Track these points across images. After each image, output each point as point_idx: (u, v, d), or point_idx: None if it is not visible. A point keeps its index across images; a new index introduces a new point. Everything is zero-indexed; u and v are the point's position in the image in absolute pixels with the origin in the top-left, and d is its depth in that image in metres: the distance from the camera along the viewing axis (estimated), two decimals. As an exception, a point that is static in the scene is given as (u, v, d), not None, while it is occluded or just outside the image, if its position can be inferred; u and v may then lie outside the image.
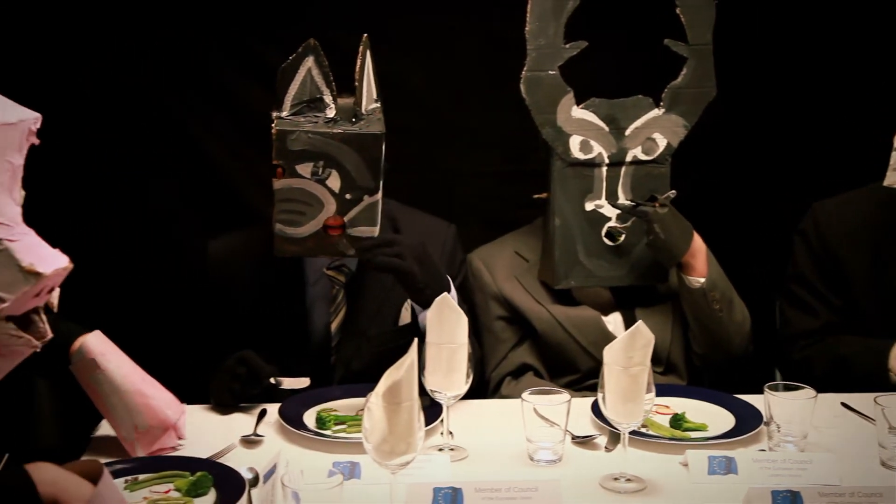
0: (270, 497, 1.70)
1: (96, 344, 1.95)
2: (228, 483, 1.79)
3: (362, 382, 2.31)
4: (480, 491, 1.74)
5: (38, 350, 1.46)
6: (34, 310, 1.44)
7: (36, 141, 1.44)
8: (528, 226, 2.75)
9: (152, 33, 3.04)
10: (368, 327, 2.40)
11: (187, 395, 2.14)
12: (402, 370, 1.59)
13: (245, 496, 1.74)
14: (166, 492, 1.79)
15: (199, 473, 1.79)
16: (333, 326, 2.43)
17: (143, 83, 3.07)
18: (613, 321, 2.59)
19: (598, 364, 2.49)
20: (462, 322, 1.96)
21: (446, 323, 1.95)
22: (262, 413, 2.18)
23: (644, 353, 1.78)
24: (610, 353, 1.80)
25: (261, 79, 3.07)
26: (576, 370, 2.57)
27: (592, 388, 2.47)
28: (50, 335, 1.46)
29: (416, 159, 3.02)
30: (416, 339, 1.63)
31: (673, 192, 2.46)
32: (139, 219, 3.14)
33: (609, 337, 2.55)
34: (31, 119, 1.41)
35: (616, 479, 1.85)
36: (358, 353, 2.41)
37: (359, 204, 2.21)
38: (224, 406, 2.24)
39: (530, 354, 2.60)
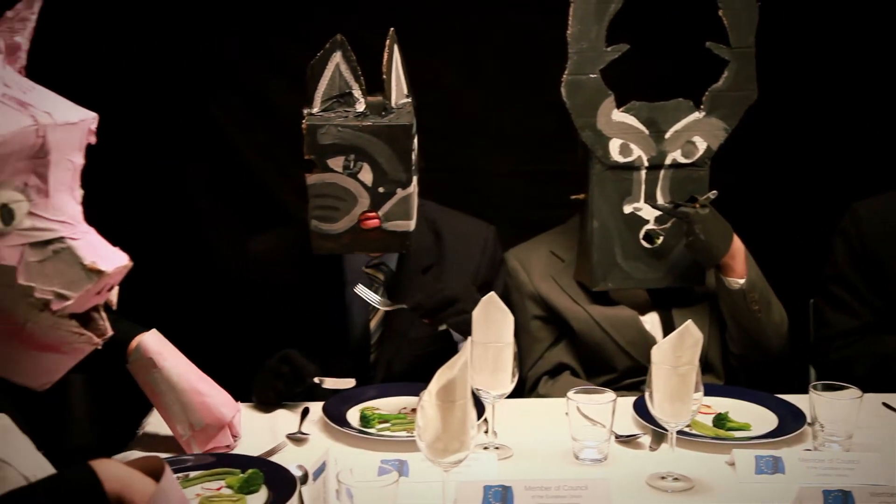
0: (322, 494, 1.71)
1: (153, 343, 1.97)
2: (279, 480, 1.80)
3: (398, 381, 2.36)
4: (530, 489, 1.75)
5: (99, 347, 1.48)
6: (94, 308, 1.45)
7: (94, 140, 1.46)
8: (562, 225, 2.76)
9: (186, 35, 3.07)
10: (408, 328, 2.42)
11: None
12: (455, 369, 1.60)
13: (296, 494, 1.75)
14: (218, 489, 1.80)
15: (250, 471, 1.81)
16: (372, 325, 2.45)
17: (178, 84, 3.11)
18: (650, 321, 2.61)
19: (635, 364, 2.54)
20: (508, 321, 1.98)
21: (493, 322, 1.96)
22: (305, 411, 2.20)
23: (693, 352, 1.79)
24: (658, 353, 1.81)
25: (291, 79, 3.10)
26: (613, 370, 2.58)
27: (629, 388, 2.51)
28: (110, 332, 1.48)
29: (445, 159, 3.04)
30: (469, 338, 1.64)
31: (714, 192, 2.47)
32: (174, 218, 3.17)
33: (646, 337, 2.56)
34: (91, 119, 1.44)
35: (663, 477, 1.86)
36: (399, 355, 2.42)
37: (392, 197, 2.22)
38: (267, 405, 2.26)
39: (567, 354, 2.62)
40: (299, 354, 2.22)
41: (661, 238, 2.53)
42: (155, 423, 2.11)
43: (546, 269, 2.66)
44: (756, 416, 2.16)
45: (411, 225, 2.25)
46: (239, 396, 2.24)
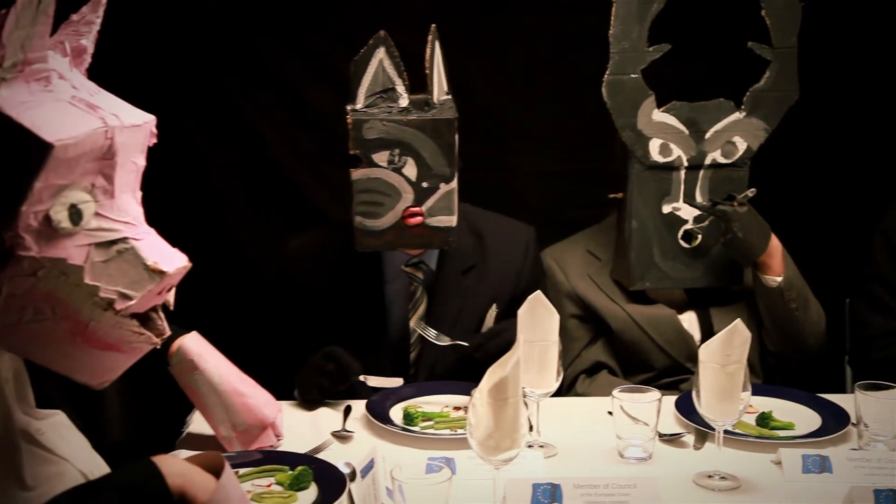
0: (373, 491, 1.73)
1: (194, 345, 1.98)
2: (327, 478, 1.82)
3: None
4: (579, 487, 1.76)
5: (157, 347, 1.50)
6: (153, 308, 1.47)
7: (154, 141, 1.48)
8: (599, 224, 2.77)
9: (222, 34, 3.09)
10: (450, 329, 2.43)
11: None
12: (507, 367, 1.61)
13: (346, 491, 1.77)
14: (268, 485, 1.82)
15: (299, 468, 1.82)
16: (412, 323, 2.47)
17: (212, 83, 3.13)
18: (688, 320, 2.61)
19: (673, 362, 2.55)
20: (554, 320, 1.99)
21: (539, 321, 1.98)
22: (348, 409, 2.22)
23: (741, 351, 1.80)
24: (706, 352, 1.82)
25: (326, 78, 3.13)
26: (650, 368, 2.59)
27: (667, 387, 2.51)
28: (168, 332, 1.49)
29: (479, 159, 3.04)
30: (521, 337, 1.66)
31: (752, 190, 2.47)
32: (207, 217, 3.20)
33: (685, 335, 2.57)
34: (152, 121, 1.46)
35: (710, 476, 1.87)
36: (442, 359, 2.44)
37: (436, 192, 2.24)
38: (311, 402, 2.28)
39: (604, 352, 2.62)
40: (344, 352, 2.24)
41: (700, 238, 2.54)
42: (200, 422, 2.13)
43: (583, 267, 2.67)
44: (799, 416, 2.16)
45: (454, 220, 2.27)
46: (280, 395, 2.27)
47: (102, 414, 2.98)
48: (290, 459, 1.89)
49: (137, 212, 1.44)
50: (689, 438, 2.06)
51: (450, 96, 2.27)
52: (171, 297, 1.50)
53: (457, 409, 2.22)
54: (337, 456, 1.95)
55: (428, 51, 2.21)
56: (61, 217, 1.30)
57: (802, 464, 1.87)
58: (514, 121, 3.15)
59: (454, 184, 2.25)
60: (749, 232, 2.44)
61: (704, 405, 1.84)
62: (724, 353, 1.80)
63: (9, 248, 1.27)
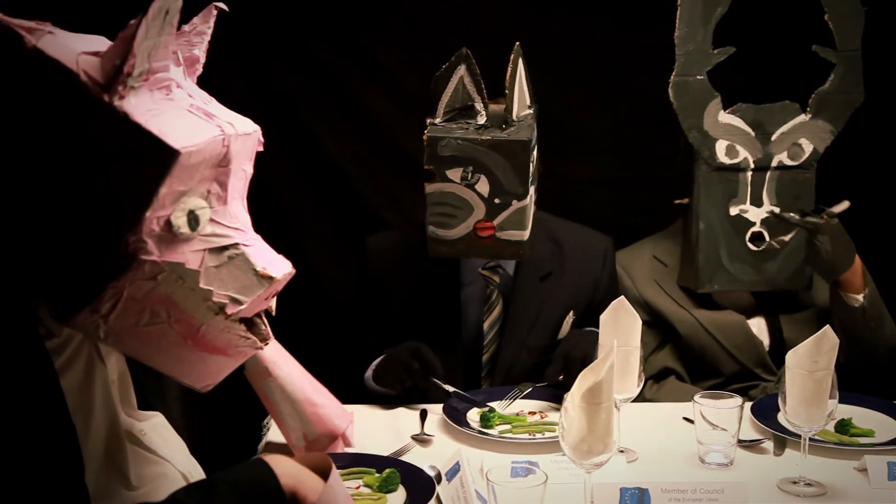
0: (462, 494, 1.76)
1: (270, 352, 1.99)
2: (415, 480, 1.85)
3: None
4: (666, 492, 1.79)
5: (262, 350, 1.54)
6: (257, 313, 1.50)
7: (260, 149, 1.52)
8: (665, 230, 2.79)
9: (282, 40, 3.12)
10: (526, 335, 2.46)
11: (344, 394, 2.20)
12: (602, 372, 1.64)
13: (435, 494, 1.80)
14: (357, 488, 1.85)
15: (387, 471, 1.85)
16: (486, 325, 2.50)
17: (271, 89, 3.15)
18: (756, 325, 2.63)
19: (742, 368, 2.56)
20: (637, 325, 2.01)
21: (622, 326, 2.00)
22: (424, 413, 2.24)
23: (829, 357, 1.81)
24: (794, 358, 1.83)
25: (386, 85, 3.16)
26: (719, 374, 2.61)
27: (736, 393, 2.51)
28: (271, 338, 1.53)
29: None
30: (615, 342, 1.68)
31: (846, 203, 2.47)
32: (267, 223, 3.21)
33: (754, 341, 2.59)
34: (258, 130, 1.49)
35: (795, 482, 1.88)
36: (518, 362, 2.46)
37: (508, 209, 2.28)
38: (390, 392, 2.32)
39: (672, 358, 2.64)
40: (430, 352, 2.27)
41: (766, 244, 2.55)
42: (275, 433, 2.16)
43: (650, 273, 2.69)
44: (877, 423, 2.16)
45: (525, 235, 2.31)
46: (352, 396, 2.30)
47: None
48: (377, 462, 1.92)
49: (246, 218, 1.47)
50: (769, 445, 2.08)
51: (531, 111, 2.31)
52: (273, 304, 1.53)
53: (532, 413, 2.25)
54: (419, 459, 1.98)
55: (510, 69, 2.25)
56: (181, 222, 1.33)
57: (888, 471, 1.87)
58: (566, 128, 3.17)
59: (527, 201, 2.29)
60: (836, 247, 2.43)
61: (791, 411, 1.85)
62: (812, 359, 1.81)
63: (132, 253, 1.30)
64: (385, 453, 2.02)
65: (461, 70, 2.25)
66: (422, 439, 2.12)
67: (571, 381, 2.18)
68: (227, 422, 2.69)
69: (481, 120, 2.27)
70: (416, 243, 2.41)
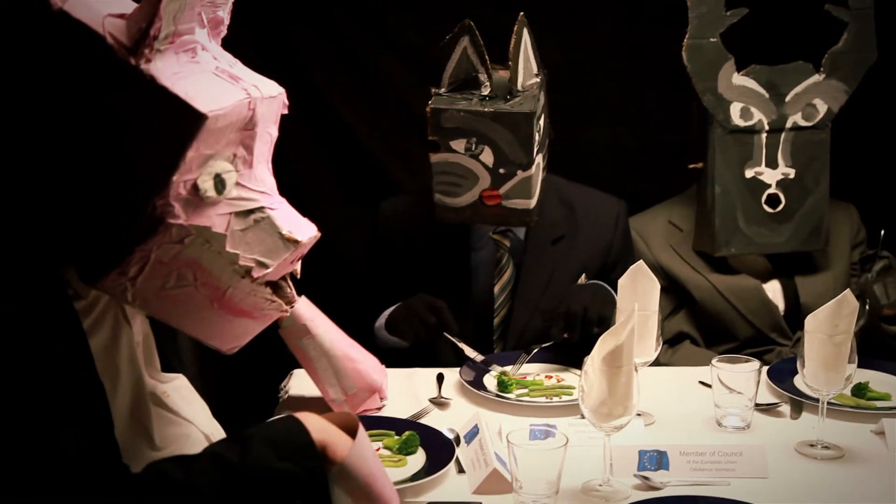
0: (481, 457, 1.77)
1: (306, 310, 2.02)
2: (434, 443, 1.86)
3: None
4: (685, 454, 1.80)
5: (287, 314, 1.54)
6: (283, 276, 1.50)
7: (285, 112, 1.51)
8: (679, 195, 2.79)
9: (299, 7, 3.09)
10: (539, 299, 2.47)
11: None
12: (622, 335, 1.64)
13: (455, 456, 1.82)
14: (377, 450, 1.86)
15: (406, 433, 1.86)
16: (496, 289, 2.51)
17: (286, 55, 3.13)
18: (772, 289, 2.63)
19: (757, 332, 2.56)
20: (655, 289, 2.01)
21: (640, 290, 2.00)
22: (440, 377, 2.25)
23: (849, 321, 1.81)
24: (813, 322, 1.83)
25: (400, 53, 3.14)
26: (734, 338, 2.62)
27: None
28: (297, 300, 1.53)
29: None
30: (636, 306, 1.69)
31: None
32: (285, 188, 3.20)
33: (770, 305, 2.59)
34: (283, 92, 1.48)
35: (812, 445, 1.89)
36: (530, 325, 2.47)
37: (513, 178, 2.31)
38: (400, 343, 2.36)
39: (686, 323, 2.65)
40: (447, 309, 2.28)
41: (783, 204, 2.55)
42: (297, 386, 2.18)
43: (665, 238, 2.70)
44: (894, 387, 2.17)
45: (532, 203, 2.33)
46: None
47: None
48: (397, 425, 1.93)
49: (271, 182, 1.47)
50: (786, 408, 2.09)
51: (538, 79, 2.32)
52: (298, 267, 1.54)
53: (549, 376, 2.26)
54: (437, 422, 1.99)
55: (513, 39, 2.27)
56: (207, 186, 1.34)
57: (906, 433, 1.89)
58: (583, 94, 3.15)
59: (532, 170, 2.30)
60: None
61: (809, 375, 1.86)
62: (832, 323, 1.81)
63: (158, 216, 1.30)
64: (403, 416, 2.03)
65: (464, 41, 2.28)
66: (439, 402, 2.13)
67: (574, 336, 2.23)
68: (243, 386, 2.72)
69: (485, 91, 2.30)
70: (427, 208, 2.42)
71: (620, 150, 3.21)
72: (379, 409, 2.07)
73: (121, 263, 1.31)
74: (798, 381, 2.12)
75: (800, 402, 2.07)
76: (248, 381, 2.66)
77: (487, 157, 2.29)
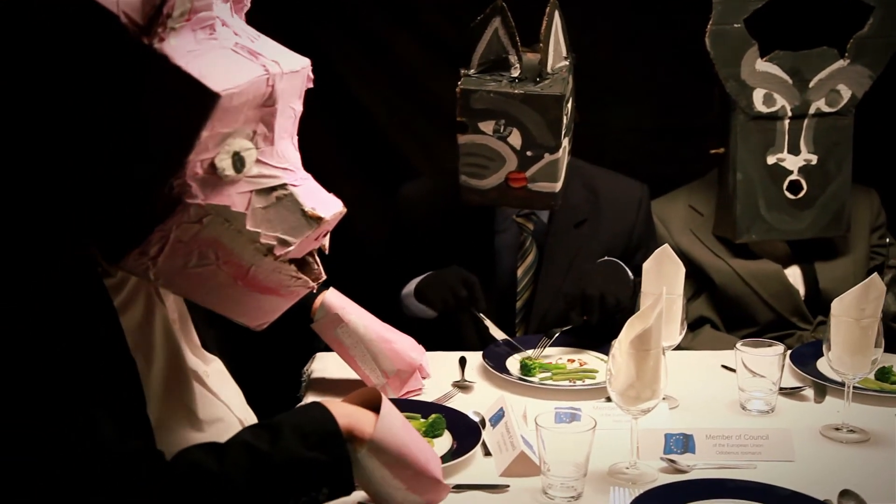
0: (507, 439, 1.78)
1: (336, 299, 2.02)
2: (460, 425, 1.86)
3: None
4: (711, 438, 1.80)
5: (314, 291, 1.55)
6: (309, 253, 1.49)
7: (310, 86, 1.51)
8: (700, 179, 2.79)
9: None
10: (561, 282, 2.48)
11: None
12: (651, 318, 1.64)
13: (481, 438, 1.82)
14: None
15: (433, 416, 1.86)
16: (519, 272, 2.51)
17: (301, 36, 3.13)
18: (792, 274, 2.63)
19: (777, 317, 2.56)
20: (680, 273, 2.01)
21: (665, 274, 2.00)
22: (463, 360, 2.26)
23: (876, 305, 1.81)
24: (840, 305, 1.83)
25: (416, 34, 3.14)
26: (754, 323, 2.62)
27: (771, 342, 2.53)
28: (324, 277, 1.53)
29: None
30: (664, 289, 1.69)
31: None
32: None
33: (790, 290, 2.59)
34: (308, 65, 1.46)
35: (837, 429, 1.89)
36: (553, 308, 2.48)
37: (540, 161, 2.31)
38: (427, 312, 2.38)
39: (707, 307, 2.66)
40: (479, 285, 2.29)
41: (805, 190, 2.55)
42: (320, 370, 2.19)
43: (685, 223, 2.70)
44: (916, 370, 2.18)
45: (557, 187, 2.33)
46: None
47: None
48: (422, 408, 1.93)
49: (295, 157, 1.45)
50: (809, 392, 2.09)
51: (567, 62, 2.32)
52: (326, 242, 1.53)
53: (571, 360, 2.26)
54: (462, 405, 1.99)
55: (544, 22, 2.26)
56: (225, 165, 1.32)
57: (931, 417, 1.89)
58: (601, 77, 3.15)
59: (559, 154, 2.30)
60: None
61: (835, 359, 1.86)
62: (859, 307, 1.81)
63: (176, 196, 1.29)
64: (427, 400, 2.04)
65: (496, 22, 2.28)
66: (463, 386, 2.14)
67: (593, 318, 2.23)
68: (266, 371, 2.73)
69: (515, 72, 2.30)
70: (449, 191, 2.43)
71: (640, 133, 3.21)
72: (421, 389, 2.07)
73: (141, 243, 1.31)
74: (821, 365, 2.13)
75: (823, 386, 2.07)
76: (270, 365, 2.67)
77: (515, 139, 2.30)
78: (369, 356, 2.00)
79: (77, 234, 1.35)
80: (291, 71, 1.41)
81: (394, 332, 2.06)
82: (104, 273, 1.41)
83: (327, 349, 2.11)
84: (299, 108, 1.47)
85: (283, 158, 1.43)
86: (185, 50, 1.27)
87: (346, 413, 1.42)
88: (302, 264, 1.49)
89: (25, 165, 1.29)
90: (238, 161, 1.35)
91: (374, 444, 1.39)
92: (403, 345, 2.05)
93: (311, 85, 1.50)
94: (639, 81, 3.15)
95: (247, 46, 1.37)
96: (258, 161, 1.38)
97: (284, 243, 1.41)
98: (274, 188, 1.40)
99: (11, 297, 1.25)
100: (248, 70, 1.32)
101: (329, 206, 1.46)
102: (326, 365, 2.19)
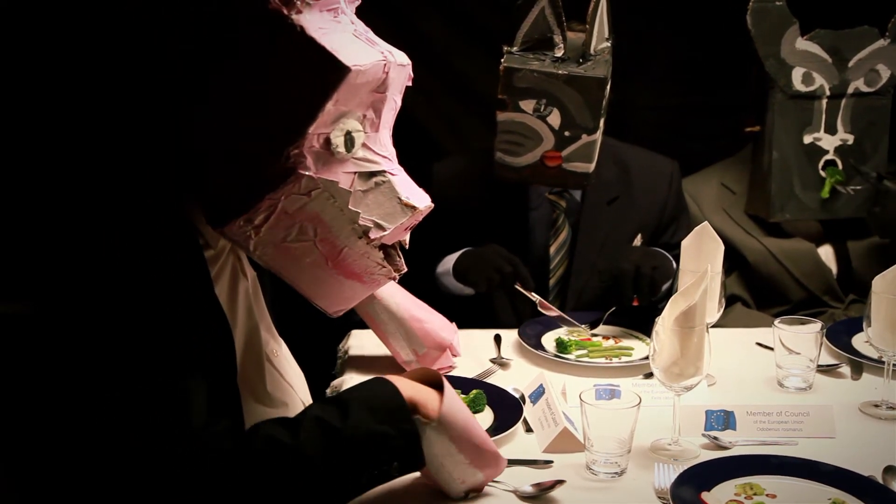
0: (549, 415, 1.82)
1: None
2: (500, 402, 1.92)
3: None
4: (752, 415, 1.84)
5: (395, 281, 1.60)
6: (393, 244, 1.58)
7: (410, 84, 1.57)
8: (732, 157, 2.83)
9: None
10: (595, 259, 2.53)
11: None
12: (695, 296, 1.68)
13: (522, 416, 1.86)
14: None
15: (474, 392, 1.92)
16: (552, 249, 2.56)
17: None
18: (824, 253, 2.68)
19: (809, 295, 2.60)
20: (719, 250, 2.05)
21: (704, 251, 2.04)
22: (497, 338, 2.30)
23: (919, 283, 1.85)
24: (881, 283, 1.88)
25: (442, 11, 3.15)
26: (786, 301, 2.66)
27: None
28: (405, 269, 1.60)
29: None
30: (709, 267, 1.72)
31: None
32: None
33: (823, 268, 2.63)
34: (410, 64, 1.55)
35: (877, 405, 1.94)
36: (588, 285, 2.54)
37: (577, 141, 2.37)
38: (464, 290, 2.42)
39: (738, 285, 2.69)
40: (523, 265, 2.32)
41: (841, 169, 2.57)
42: (357, 346, 2.23)
43: (717, 201, 2.73)
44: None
45: (591, 167, 2.40)
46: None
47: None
48: (463, 384, 1.98)
49: (392, 149, 1.55)
50: (846, 369, 2.13)
51: (608, 43, 2.37)
52: (407, 237, 1.61)
53: (606, 338, 2.29)
54: (500, 382, 2.05)
55: (591, 4, 2.30)
56: (339, 142, 1.41)
57: (972, 393, 1.92)
58: (626, 54, 3.17)
59: (597, 136, 2.37)
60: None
61: (875, 336, 1.90)
62: (901, 284, 1.85)
63: (290, 166, 1.37)
64: (465, 376, 2.08)
65: (543, 2, 2.31)
66: (501, 363, 2.18)
67: (644, 299, 2.26)
68: (301, 350, 2.76)
69: (559, 53, 2.34)
70: (482, 168, 2.49)
71: (668, 110, 3.24)
72: (452, 367, 2.12)
73: (249, 209, 1.38)
74: (857, 342, 2.19)
75: (860, 363, 2.11)
76: (305, 342, 2.70)
77: (555, 118, 2.35)
78: (400, 333, 2.06)
79: (190, 193, 1.43)
80: (401, 64, 1.50)
81: (426, 310, 2.12)
82: (205, 245, 1.49)
83: (362, 325, 2.15)
84: (399, 102, 1.56)
85: (385, 147, 1.53)
86: (316, 26, 1.36)
87: (410, 388, 1.48)
88: (385, 254, 1.57)
89: (156, 118, 1.40)
90: (349, 141, 1.43)
91: (444, 419, 1.45)
92: (434, 324, 2.10)
93: (410, 83, 1.57)
94: (661, 58, 3.16)
95: (363, 34, 1.47)
96: (364, 145, 1.47)
97: (380, 227, 1.50)
98: (374, 173, 1.49)
99: (121, 259, 1.32)
100: (370, 53, 1.42)
101: (422, 198, 1.55)
102: (363, 342, 2.24)
